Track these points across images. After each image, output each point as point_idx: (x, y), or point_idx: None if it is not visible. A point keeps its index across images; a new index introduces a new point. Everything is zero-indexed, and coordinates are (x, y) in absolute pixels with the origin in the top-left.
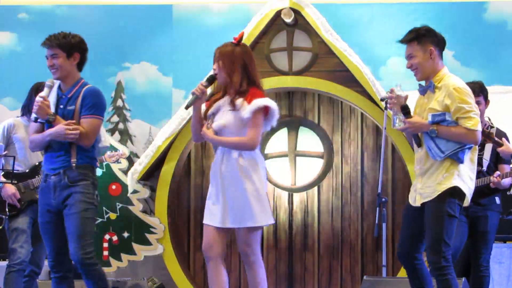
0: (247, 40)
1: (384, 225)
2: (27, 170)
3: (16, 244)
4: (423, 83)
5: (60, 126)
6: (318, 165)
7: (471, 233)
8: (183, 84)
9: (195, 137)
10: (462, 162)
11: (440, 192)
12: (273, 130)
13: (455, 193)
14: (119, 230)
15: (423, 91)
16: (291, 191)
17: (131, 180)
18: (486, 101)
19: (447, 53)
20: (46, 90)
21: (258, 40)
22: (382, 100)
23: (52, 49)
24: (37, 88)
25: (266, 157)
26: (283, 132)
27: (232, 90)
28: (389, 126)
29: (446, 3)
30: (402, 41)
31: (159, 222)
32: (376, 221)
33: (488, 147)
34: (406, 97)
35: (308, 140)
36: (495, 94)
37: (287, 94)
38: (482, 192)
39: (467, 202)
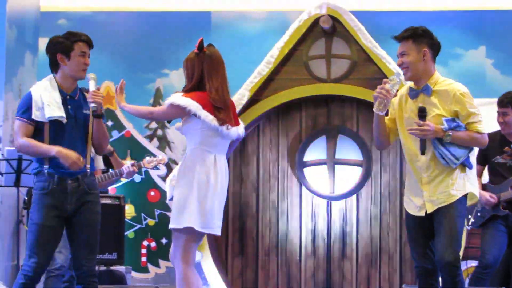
0: (285, 47)
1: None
2: None
3: None
4: (408, 85)
5: (73, 155)
6: (356, 173)
7: (511, 242)
8: None
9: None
10: (471, 167)
11: (457, 198)
12: (311, 138)
13: (467, 197)
14: (157, 236)
15: (414, 95)
16: (329, 200)
17: (169, 186)
18: None
19: (486, 61)
20: (93, 82)
21: (297, 47)
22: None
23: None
24: None
25: (304, 164)
26: (322, 140)
27: None
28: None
29: (485, 11)
30: (396, 38)
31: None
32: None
33: None
34: (395, 94)
35: (347, 148)
36: None
37: (325, 101)
38: None
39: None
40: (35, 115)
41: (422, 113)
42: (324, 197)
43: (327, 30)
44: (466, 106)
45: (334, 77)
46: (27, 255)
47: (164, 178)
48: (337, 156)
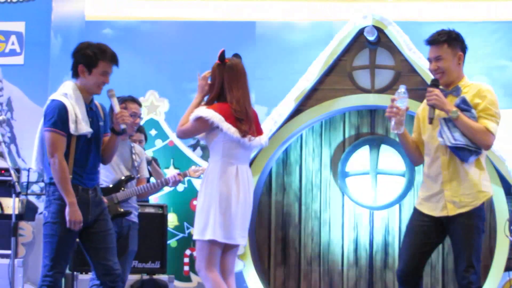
0: (330, 58)
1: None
2: (110, 185)
3: None
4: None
5: (80, 217)
6: (399, 183)
7: None
8: (265, 100)
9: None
10: (466, 161)
11: (482, 201)
12: (355, 148)
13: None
14: None
15: (444, 95)
16: (371, 209)
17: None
18: None
19: None
20: (116, 100)
21: (341, 57)
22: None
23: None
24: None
25: (347, 174)
26: (365, 150)
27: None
28: None
29: None
30: (430, 42)
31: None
32: None
33: None
34: (406, 108)
35: (390, 158)
36: None
37: (369, 112)
38: None
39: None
40: (72, 128)
41: (434, 82)
42: (367, 207)
43: (371, 41)
44: (486, 101)
45: (378, 88)
46: (48, 265)
47: None
48: (379, 166)
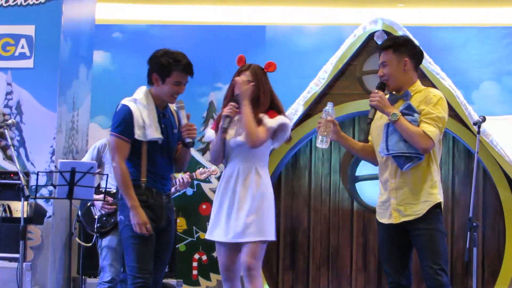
0: (340, 62)
1: (475, 249)
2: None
3: (105, 262)
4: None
5: (145, 218)
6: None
7: None
8: None
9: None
10: (401, 169)
11: (427, 209)
12: None
13: (439, 207)
14: (208, 249)
15: (394, 100)
16: None
17: None
18: None
19: None
20: (184, 113)
21: (351, 62)
22: (474, 124)
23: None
24: None
25: (356, 179)
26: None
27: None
28: (482, 150)
29: None
30: (378, 48)
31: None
32: (467, 245)
33: None
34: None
35: None
36: None
37: None
38: None
39: None
40: (137, 134)
41: (380, 85)
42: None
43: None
44: (430, 105)
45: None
46: (135, 267)
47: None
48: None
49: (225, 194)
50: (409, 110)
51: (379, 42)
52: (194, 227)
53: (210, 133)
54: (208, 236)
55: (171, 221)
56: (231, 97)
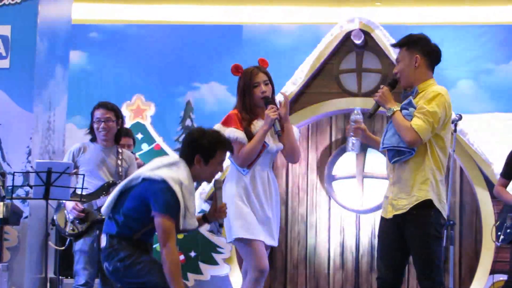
0: (317, 61)
1: (451, 248)
2: (92, 190)
3: (79, 265)
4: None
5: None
6: (385, 187)
7: None
8: None
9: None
10: (391, 162)
11: (414, 204)
12: (341, 152)
13: (432, 207)
14: (186, 249)
15: (404, 96)
16: (358, 213)
17: (198, 199)
18: None
19: None
20: (221, 193)
21: (328, 61)
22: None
23: None
24: (94, 106)
25: (333, 178)
26: (351, 154)
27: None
28: (458, 149)
29: None
30: (393, 45)
31: (226, 242)
32: (444, 244)
33: None
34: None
35: (376, 161)
36: None
37: None
38: None
39: (445, 217)
40: (181, 222)
41: (390, 82)
42: (353, 211)
43: (358, 44)
44: (425, 101)
45: (365, 91)
46: None
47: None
48: (366, 170)
49: (260, 196)
50: (408, 105)
51: (356, 41)
52: None
53: (239, 134)
54: (252, 235)
55: None
56: (251, 105)
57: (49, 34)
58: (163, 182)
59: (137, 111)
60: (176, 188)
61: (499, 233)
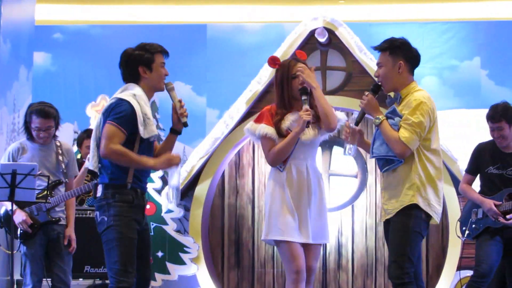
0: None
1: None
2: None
3: (26, 270)
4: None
5: (170, 156)
6: (352, 184)
7: (507, 253)
8: (217, 103)
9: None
10: (381, 171)
11: (399, 208)
12: None
13: (418, 209)
14: (153, 249)
15: (389, 102)
16: None
17: (165, 199)
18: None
19: (481, 72)
20: (174, 93)
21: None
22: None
23: None
24: (31, 111)
25: None
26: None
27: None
28: None
29: (480, 22)
30: (375, 48)
31: (193, 241)
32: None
33: None
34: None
35: (342, 160)
36: None
37: None
38: None
39: (434, 220)
40: (141, 131)
41: (373, 87)
42: None
43: (322, 42)
44: (409, 110)
45: (330, 89)
46: (120, 270)
47: (159, 192)
48: (332, 168)
49: (297, 193)
50: (392, 114)
51: (320, 39)
52: None
53: (268, 130)
54: (283, 237)
55: (146, 219)
56: (289, 98)
57: (12, 36)
58: (116, 99)
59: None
60: (129, 98)
61: (464, 228)
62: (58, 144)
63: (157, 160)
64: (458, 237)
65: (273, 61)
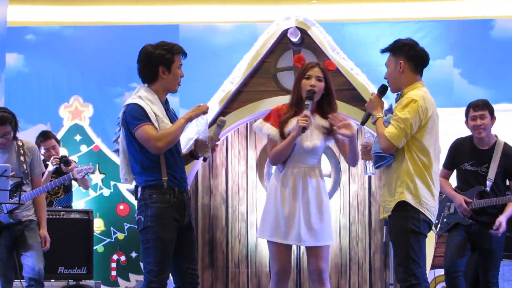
0: (254, 59)
1: (391, 243)
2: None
3: None
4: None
5: (196, 109)
6: (325, 184)
7: (476, 249)
8: (190, 103)
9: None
10: (375, 167)
11: (391, 206)
12: None
13: (412, 207)
14: (127, 250)
15: (396, 100)
16: None
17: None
18: (492, 116)
19: (454, 71)
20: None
21: (265, 59)
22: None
23: None
24: None
25: None
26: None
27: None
28: None
29: (452, 20)
30: (382, 51)
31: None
32: (384, 239)
33: (493, 166)
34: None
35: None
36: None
37: (294, 113)
38: (485, 211)
39: (431, 217)
40: (156, 126)
41: (380, 89)
42: None
43: (295, 42)
44: (399, 107)
45: None
46: (154, 271)
47: (133, 192)
48: None
49: (289, 195)
50: (388, 111)
51: (293, 39)
52: (112, 228)
53: (271, 131)
54: (267, 237)
55: (191, 218)
56: (298, 99)
57: None
58: (125, 106)
59: (75, 112)
60: (135, 101)
61: (437, 221)
62: (20, 144)
63: (186, 113)
64: (433, 231)
65: (298, 60)
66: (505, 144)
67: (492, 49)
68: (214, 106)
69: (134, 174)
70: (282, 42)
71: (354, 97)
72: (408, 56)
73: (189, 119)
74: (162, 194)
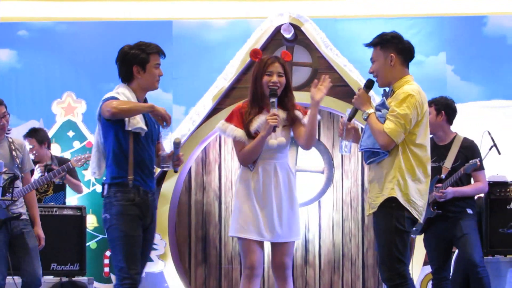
0: (247, 56)
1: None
2: None
3: None
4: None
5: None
6: (318, 180)
7: (453, 243)
8: (183, 100)
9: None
10: (366, 163)
11: (379, 202)
12: None
13: (398, 205)
14: None
15: (384, 96)
16: None
17: None
18: (438, 114)
19: (447, 67)
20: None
21: None
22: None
23: None
24: None
25: None
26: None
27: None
28: None
29: (445, 17)
30: (367, 45)
31: (160, 238)
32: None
33: (450, 157)
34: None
35: (309, 155)
36: (495, 109)
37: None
38: (452, 203)
39: (418, 216)
40: (125, 122)
41: (366, 83)
42: None
43: (288, 38)
44: (396, 102)
45: (296, 85)
46: (124, 267)
47: None
48: (298, 164)
49: (261, 191)
50: (381, 106)
51: (286, 35)
52: None
53: (239, 133)
54: (239, 233)
55: (154, 218)
56: (259, 95)
57: None
58: (101, 102)
59: (68, 108)
60: (112, 93)
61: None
62: (11, 140)
63: (155, 105)
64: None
65: (255, 54)
66: (465, 138)
67: (485, 46)
68: (208, 102)
69: (106, 166)
70: (275, 38)
71: (348, 94)
72: (398, 49)
73: (151, 108)
74: (126, 192)
